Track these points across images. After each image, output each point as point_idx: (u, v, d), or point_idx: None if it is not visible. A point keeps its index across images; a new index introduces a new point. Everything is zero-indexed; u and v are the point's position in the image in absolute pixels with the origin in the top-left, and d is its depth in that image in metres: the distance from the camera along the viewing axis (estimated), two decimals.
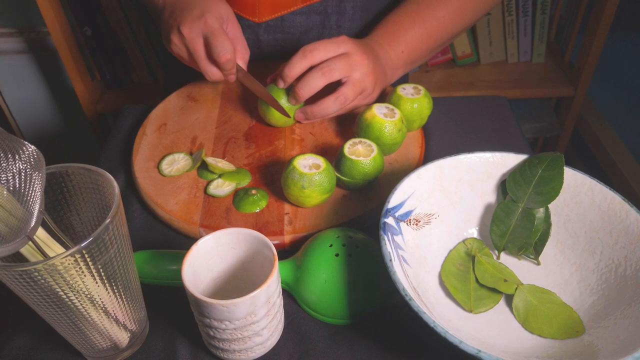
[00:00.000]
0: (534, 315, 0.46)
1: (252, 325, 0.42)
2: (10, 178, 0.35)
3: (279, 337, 0.47)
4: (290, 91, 0.64)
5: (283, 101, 0.65)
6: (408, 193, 0.49)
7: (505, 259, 0.52)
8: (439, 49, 0.74)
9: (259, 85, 0.66)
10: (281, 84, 0.63)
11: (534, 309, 0.47)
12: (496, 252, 0.52)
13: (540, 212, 0.51)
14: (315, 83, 0.61)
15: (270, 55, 0.80)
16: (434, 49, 0.72)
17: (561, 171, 0.50)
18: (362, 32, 0.79)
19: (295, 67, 0.61)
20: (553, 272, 0.50)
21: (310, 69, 0.61)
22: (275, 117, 0.66)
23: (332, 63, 0.60)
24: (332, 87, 0.63)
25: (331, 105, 0.62)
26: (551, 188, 0.50)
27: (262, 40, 0.78)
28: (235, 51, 0.65)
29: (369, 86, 0.64)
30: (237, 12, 0.75)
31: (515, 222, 0.51)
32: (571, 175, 0.50)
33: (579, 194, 0.50)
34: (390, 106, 0.62)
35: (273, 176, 0.61)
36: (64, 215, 0.43)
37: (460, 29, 0.73)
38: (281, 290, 0.45)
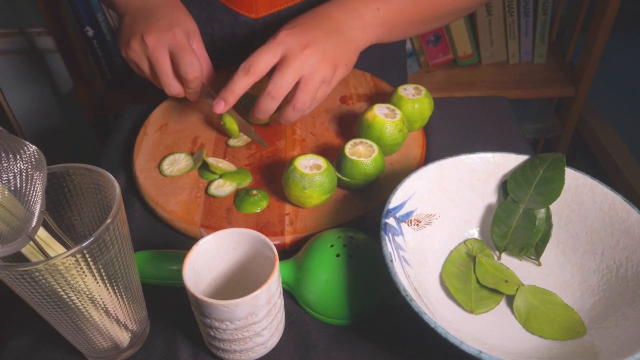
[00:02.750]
0: (534, 316, 0.46)
1: (252, 326, 0.42)
2: (11, 178, 0.35)
3: (279, 337, 0.47)
4: (250, 112, 0.62)
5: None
6: (409, 193, 0.49)
7: (506, 259, 0.52)
8: (427, 25, 0.68)
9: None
10: (221, 107, 0.60)
11: (534, 309, 0.46)
12: (497, 252, 0.52)
13: (541, 213, 0.51)
14: (270, 107, 0.58)
15: None
16: (418, 21, 0.67)
17: (562, 172, 0.50)
18: None
19: (238, 86, 0.58)
20: (554, 272, 0.50)
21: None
22: (233, 127, 0.65)
23: (277, 80, 0.57)
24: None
25: (292, 115, 0.60)
26: (552, 189, 0.50)
27: (258, 37, 0.77)
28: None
29: (326, 73, 0.58)
30: (234, 8, 0.75)
31: (516, 222, 0.51)
32: (572, 176, 0.50)
33: (580, 194, 0.50)
34: (391, 107, 0.62)
35: (274, 176, 0.61)
36: (65, 215, 0.43)
37: (450, 9, 0.68)
38: (282, 290, 0.45)
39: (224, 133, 0.68)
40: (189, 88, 0.63)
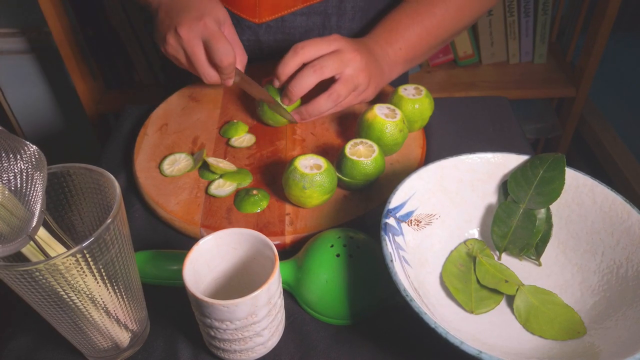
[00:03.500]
0: (535, 316, 0.46)
1: (253, 326, 0.42)
2: (11, 178, 0.35)
3: (279, 337, 0.47)
4: (283, 91, 0.64)
5: (279, 101, 0.65)
6: (409, 193, 0.49)
7: (507, 259, 0.52)
8: (439, 47, 0.74)
9: (258, 87, 0.66)
10: (276, 83, 0.63)
11: (535, 310, 0.46)
12: (497, 252, 0.52)
13: (541, 213, 0.51)
14: (307, 81, 0.61)
15: (271, 56, 0.80)
16: (433, 46, 0.72)
17: (562, 172, 0.50)
18: (362, 32, 0.79)
19: (288, 64, 0.61)
20: (554, 273, 0.50)
21: (304, 66, 0.61)
22: (273, 117, 0.66)
23: (324, 60, 0.60)
24: (326, 87, 0.63)
25: (324, 103, 0.63)
26: (552, 189, 0.50)
27: (262, 41, 0.78)
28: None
29: (362, 82, 0.63)
30: (237, 13, 0.75)
31: (516, 222, 0.51)
32: (572, 176, 0.50)
33: (581, 194, 0.50)
34: (392, 107, 0.62)
35: (274, 176, 0.61)
36: (65, 215, 0.43)
37: (459, 27, 0.73)
38: (282, 290, 0.45)
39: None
40: (223, 74, 0.65)
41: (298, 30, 0.78)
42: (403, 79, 0.92)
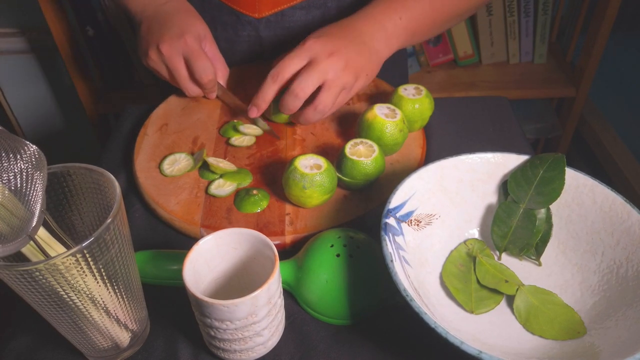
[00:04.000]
0: (535, 316, 0.46)
1: (253, 326, 0.42)
2: (11, 178, 0.35)
3: (279, 337, 0.47)
4: (273, 109, 0.66)
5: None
6: (409, 193, 0.49)
7: (507, 259, 0.52)
8: (441, 27, 0.70)
9: (238, 101, 0.69)
10: (254, 112, 0.64)
11: (535, 309, 0.46)
12: (497, 252, 0.52)
13: (541, 213, 0.51)
14: (293, 105, 0.61)
15: (272, 51, 0.80)
16: (436, 24, 0.69)
17: (562, 172, 0.50)
18: None
19: (267, 93, 0.62)
20: (554, 273, 0.50)
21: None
22: (278, 116, 0.67)
23: (302, 81, 0.59)
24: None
25: (313, 115, 0.62)
26: (552, 189, 0.50)
27: (262, 37, 0.78)
28: (215, 70, 0.68)
29: (348, 80, 0.61)
30: (237, 9, 0.75)
31: (516, 222, 0.51)
32: (573, 176, 0.50)
33: (581, 194, 0.50)
34: (392, 106, 0.62)
35: (274, 176, 0.61)
36: (65, 214, 0.43)
37: (463, 8, 0.70)
38: (282, 290, 0.45)
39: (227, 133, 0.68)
40: (205, 89, 0.68)
41: (298, 25, 0.77)
42: (404, 79, 0.92)
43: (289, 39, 0.79)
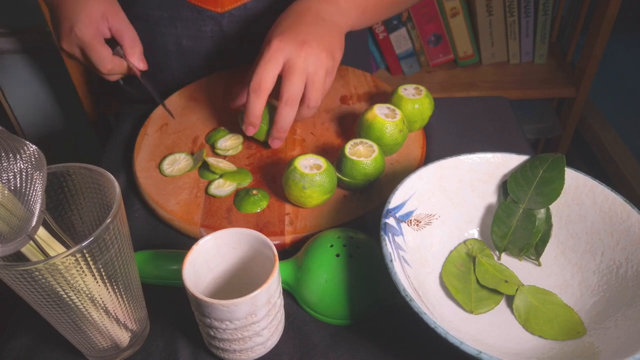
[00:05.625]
0: (534, 316, 0.46)
1: (252, 326, 0.42)
2: (11, 177, 0.35)
3: (279, 337, 0.47)
4: (268, 132, 0.63)
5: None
6: (409, 193, 0.49)
7: (506, 259, 0.52)
8: (396, 8, 0.70)
9: (150, 86, 0.69)
10: (251, 131, 0.61)
11: (534, 310, 0.46)
12: (497, 252, 0.52)
13: (541, 213, 0.51)
14: (290, 116, 0.59)
15: (238, 47, 0.79)
16: (385, 5, 0.68)
17: (562, 172, 0.50)
18: None
19: (256, 108, 0.59)
20: (554, 273, 0.50)
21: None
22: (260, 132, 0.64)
23: (289, 88, 0.57)
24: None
25: (307, 112, 0.61)
26: (552, 189, 0.50)
27: (226, 32, 0.76)
28: (123, 47, 0.67)
29: (327, 63, 0.59)
30: (198, 4, 0.74)
31: (516, 223, 0.51)
32: (573, 177, 0.50)
33: (581, 195, 0.50)
34: (392, 107, 0.62)
35: (274, 176, 0.61)
36: (65, 214, 0.43)
37: None
38: (282, 290, 0.45)
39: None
40: (110, 76, 0.68)
41: (262, 18, 0.76)
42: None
43: (254, 34, 0.76)
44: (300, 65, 0.57)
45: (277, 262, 0.42)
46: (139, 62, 0.69)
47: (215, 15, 0.75)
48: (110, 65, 0.65)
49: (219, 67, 0.80)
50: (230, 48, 0.79)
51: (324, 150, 0.65)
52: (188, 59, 0.79)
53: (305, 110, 0.61)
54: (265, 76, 0.57)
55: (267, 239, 0.43)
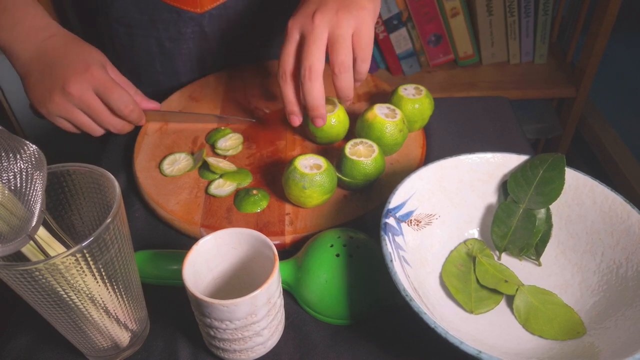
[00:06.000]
0: (534, 316, 0.46)
1: (252, 325, 0.42)
2: (11, 177, 0.35)
3: (279, 337, 0.47)
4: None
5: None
6: (409, 193, 0.49)
7: (506, 259, 0.52)
8: None
9: (179, 115, 0.67)
10: (296, 121, 0.59)
11: (534, 310, 0.46)
12: (497, 252, 0.52)
13: (541, 213, 0.51)
14: (349, 82, 0.55)
15: (220, 47, 0.78)
16: None
17: (562, 172, 0.50)
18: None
19: (289, 94, 0.56)
20: (554, 273, 0.50)
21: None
22: (323, 133, 0.63)
23: (340, 54, 0.53)
24: None
25: (344, 77, 0.55)
26: (552, 189, 0.50)
27: (207, 32, 0.75)
28: (131, 95, 0.63)
29: (347, 20, 0.54)
30: (177, 5, 0.73)
31: (516, 223, 0.51)
32: (573, 177, 0.50)
33: (581, 195, 0.50)
34: (392, 107, 0.62)
35: (274, 176, 0.61)
36: (65, 214, 0.43)
37: None
38: (282, 290, 0.45)
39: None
40: (129, 119, 0.63)
41: (242, 17, 0.75)
42: (404, 79, 0.92)
43: (236, 34, 0.76)
44: (315, 31, 0.54)
45: (277, 262, 0.42)
46: (153, 104, 0.68)
47: (195, 16, 0.74)
48: (132, 105, 0.61)
49: (204, 68, 0.79)
50: (211, 50, 0.78)
51: (324, 150, 0.65)
52: (172, 60, 0.78)
53: (339, 77, 0.55)
54: (286, 59, 0.55)
55: (267, 239, 0.43)
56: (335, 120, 0.61)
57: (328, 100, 0.61)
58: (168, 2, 0.72)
